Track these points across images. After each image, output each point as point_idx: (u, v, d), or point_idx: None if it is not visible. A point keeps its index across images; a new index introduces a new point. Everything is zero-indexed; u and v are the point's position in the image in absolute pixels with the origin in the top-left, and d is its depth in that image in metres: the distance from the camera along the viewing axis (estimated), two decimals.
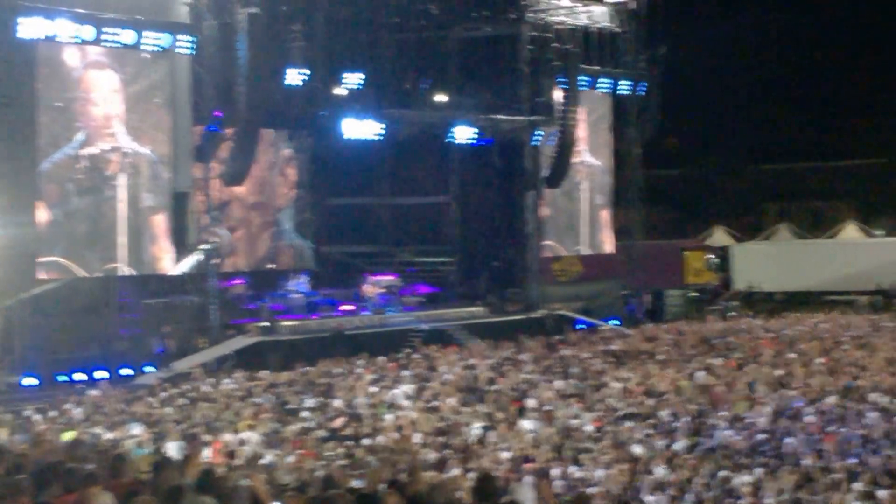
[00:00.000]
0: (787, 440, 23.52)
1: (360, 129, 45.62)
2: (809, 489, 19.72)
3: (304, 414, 26.82)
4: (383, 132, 46.10)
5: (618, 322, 49.47)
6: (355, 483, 15.32)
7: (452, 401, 28.15)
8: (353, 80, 45.34)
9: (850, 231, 73.41)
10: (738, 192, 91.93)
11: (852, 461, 21.66)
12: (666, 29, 55.19)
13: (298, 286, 45.75)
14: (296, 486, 13.45)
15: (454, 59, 50.52)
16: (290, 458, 21.46)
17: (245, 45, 39.71)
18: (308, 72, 43.61)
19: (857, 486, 19.70)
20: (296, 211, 50.14)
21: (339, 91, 45.28)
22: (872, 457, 22.06)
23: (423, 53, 49.74)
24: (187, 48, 40.35)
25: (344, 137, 45.77)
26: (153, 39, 39.50)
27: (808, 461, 21.66)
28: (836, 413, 26.08)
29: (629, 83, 54.08)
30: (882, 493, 19.24)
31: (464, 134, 48.86)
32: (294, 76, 43.40)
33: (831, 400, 27.62)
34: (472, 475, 17.69)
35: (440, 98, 48.65)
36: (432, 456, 21.59)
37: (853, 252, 63.87)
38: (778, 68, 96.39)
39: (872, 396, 27.96)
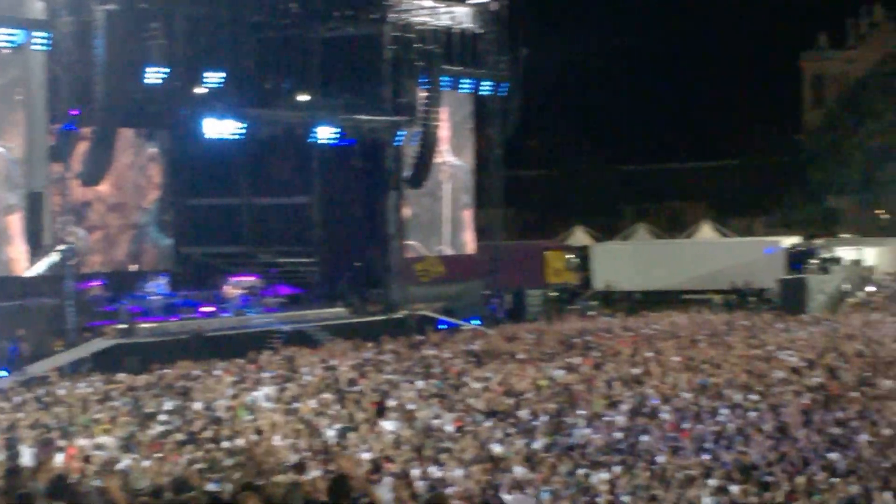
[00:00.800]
0: (644, 437, 23.85)
1: (221, 128, 45.21)
2: (665, 485, 20.01)
3: (163, 417, 26.56)
4: (244, 131, 45.73)
5: (479, 322, 49.68)
6: (211, 486, 15.23)
7: (313, 402, 28.08)
8: (213, 78, 44.85)
9: (706, 231, 74.61)
10: (597, 192, 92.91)
11: (707, 457, 22.03)
12: (527, 31, 55.66)
13: (158, 288, 45.26)
14: (151, 491, 13.31)
15: (316, 59, 50.24)
16: (147, 462, 21.25)
17: (103, 43, 39.12)
18: (167, 70, 43.07)
19: (712, 482, 20.04)
20: (158, 211, 49.61)
21: (200, 90, 44.79)
22: (726, 452, 22.45)
23: (285, 53, 49.44)
24: (43, 45, 39.62)
25: (205, 137, 45.33)
26: (6, 36, 38.71)
27: (663, 458, 21.97)
28: (692, 410, 26.52)
29: (491, 84, 54.31)
30: (734, 489, 19.61)
31: (326, 134, 48.65)
32: (153, 74, 42.83)
33: (687, 397, 28.10)
34: (330, 476, 17.66)
35: (302, 98, 48.39)
36: (292, 457, 21.53)
37: (709, 252, 64.84)
38: (636, 72, 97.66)
39: (727, 393, 28.50)
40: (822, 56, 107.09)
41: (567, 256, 63.80)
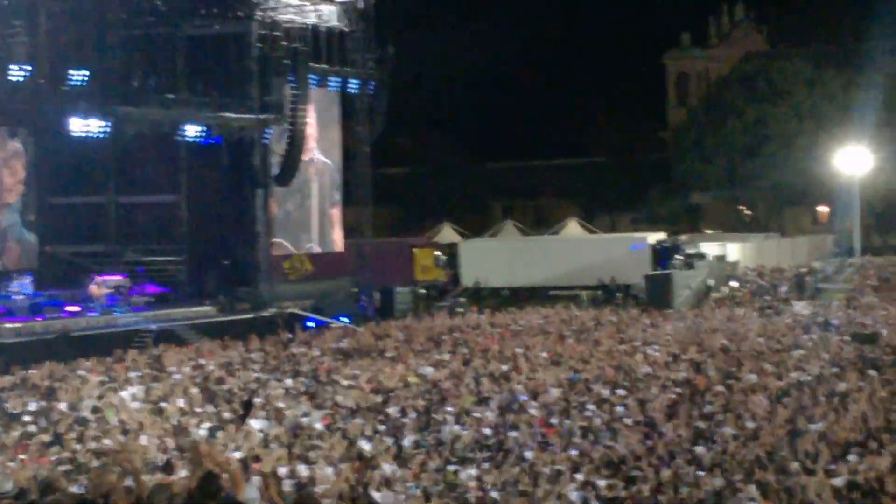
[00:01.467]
0: (512, 433, 24.02)
1: (86, 126, 44.66)
2: (533, 480, 20.16)
3: (27, 418, 26.15)
4: (108, 129, 45.20)
5: (348, 320, 49.64)
6: (76, 488, 15.06)
7: (181, 401, 27.87)
8: (78, 76, 44.29)
9: (573, 228, 75.23)
10: (464, 189, 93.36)
11: (575, 452, 22.23)
12: (395, 29, 55.80)
13: (22, 287, 44.57)
14: (15, 493, 13.15)
15: (183, 57, 49.91)
16: (12, 464, 20.94)
17: None
18: (30, 67, 42.43)
19: (579, 476, 20.24)
20: (22, 209, 48.89)
21: (64, 87, 44.20)
22: (593, 447, 22.68)
23: (152, 50, 49.05)
24: None
25: (69, 134, 44.75)
26: None
27: (531, 453, 22.14)
28: (560, 405, 26.76)
29: (358, 82, 54.37)
30: (602, 483, 19.83)
31: (193, 132, 48.33)
32: (16, 72, 42.15)
33: (555, 393, 28.36)
34: (197, 476, 17.54)
35: (169, 95, 48.02)
36: (159, 457, 21.36)
37: (576, 248, 65.36)
38: (503, 69, 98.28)
39: (594, 388, 28.82)
40: (686, 54, 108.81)
41: (435, 253, 63.93)
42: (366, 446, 22.81)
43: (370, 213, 57.25)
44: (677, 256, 59.47)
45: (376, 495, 19.39)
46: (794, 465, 20.71)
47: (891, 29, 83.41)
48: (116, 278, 46.28)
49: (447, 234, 73.41)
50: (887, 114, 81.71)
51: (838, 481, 19.44)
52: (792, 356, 34.14)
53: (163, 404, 27.49)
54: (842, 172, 73.70)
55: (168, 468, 19.65)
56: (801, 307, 50.35)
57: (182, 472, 19.26)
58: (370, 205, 56.97)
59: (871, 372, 30.50)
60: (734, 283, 59.46)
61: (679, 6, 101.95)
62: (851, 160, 73.05)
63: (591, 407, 26.30)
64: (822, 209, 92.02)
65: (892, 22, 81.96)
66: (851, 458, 21.09)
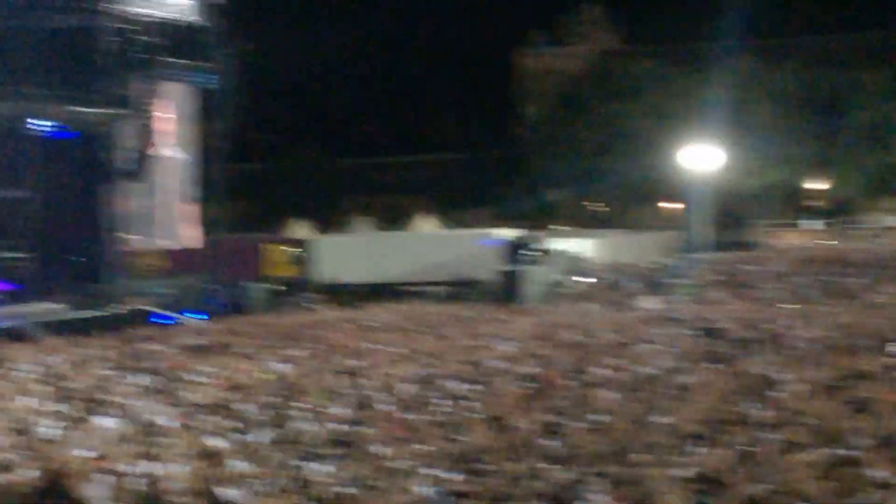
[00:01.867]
0: (365, 429, 24.03)
1: None
2: (386, 476, 20.18)
3: None
4: None
5: (200, 316, 49.33)
6: None
7: (26, 399, 27.46)
8: None
9: (427, 224, 75.70)
10: (319, 185, 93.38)
11: (428, 447, 22.31)
12: (251, 24, 55.59)
13: None
14: None
15: (32, 49, 49.16)
16: None
17: None
18: None
19: (433, 471, 20.31)
20: None
21: None
22: (447, 442, 22.77)
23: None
24: None
25: None
26: None
27: (384, 449, 22.16)
28: (412, 401, 26.84)
29: (213, 77, 54.04)
30: (455, 477, 19.92)
31: (43, 126, 47.67)
32: None
33: (408, 388, 28.45)
34: (41, 476, 17.32)
35: (18, 89, 47.28)
36: (1, 457, 20.99)
37: (431, 244, 65.64)
38: (359, 65, 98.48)
39: (447, 383, 28.96)
40: (541, 51, 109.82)
41: (289, 249, 63.77)
42: (217, 443, 22.66)
43: (225, 209, 56.97)
44: (528, 252, 60.00)
45: (227, 492, 19.28)
46: (643, 457, 20.99)
47: (739, 28, 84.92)
48: None
49: (301, 230, 73.36)
50: (736, 113, 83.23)
51: (686, 472, 19.74)
52: (641, 350, 34.61)
53: (6, 402, 27.05)
54: (692, 170, 74.87)
55: (10, 468, 19.32)
56: (651, 302, 51.13)
57: (25, 472, 18.97)
58: (225, 201, 56.68)
59: (719, 365, 31.05)
60: (585, 279, 60.16)
61: (534, 2, 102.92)
62: (702, 158, 74.23)
63: (443, 401, 26.43)
64: (673, 206, 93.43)
65: (742, 21, 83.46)
66: (699, 449, 21.42)
